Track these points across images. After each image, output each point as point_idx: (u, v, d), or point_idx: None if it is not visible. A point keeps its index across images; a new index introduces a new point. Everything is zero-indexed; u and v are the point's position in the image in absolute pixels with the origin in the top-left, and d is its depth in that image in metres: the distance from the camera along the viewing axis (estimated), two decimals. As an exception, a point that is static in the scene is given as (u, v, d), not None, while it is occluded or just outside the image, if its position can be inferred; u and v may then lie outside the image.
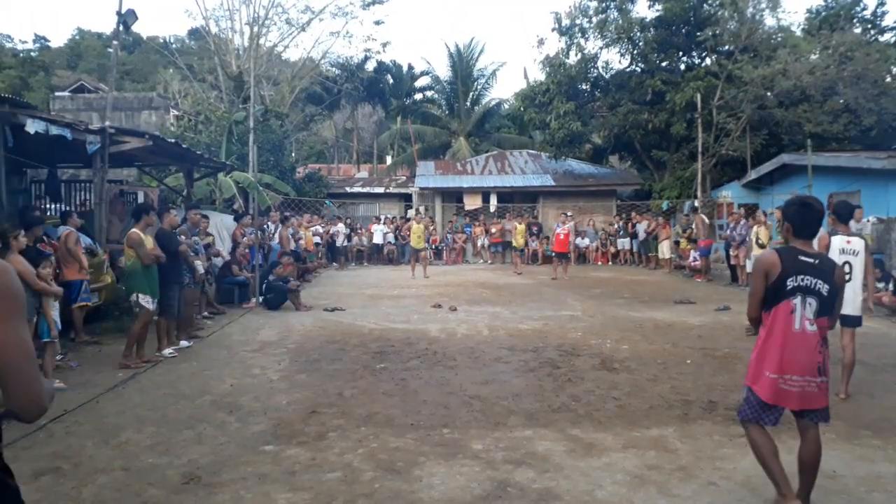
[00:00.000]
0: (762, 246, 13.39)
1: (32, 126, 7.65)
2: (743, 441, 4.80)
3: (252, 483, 4.13)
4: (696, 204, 19.29)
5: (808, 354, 3.51)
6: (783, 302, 3.54)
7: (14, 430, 5.12)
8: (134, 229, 7.45)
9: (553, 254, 17.48)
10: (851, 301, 5.95)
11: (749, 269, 14.22)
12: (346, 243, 21.61)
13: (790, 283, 3.52)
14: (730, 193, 20.66)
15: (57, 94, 32.76)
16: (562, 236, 16.96)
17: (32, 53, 57.12)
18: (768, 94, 19.61)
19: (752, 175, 19.32)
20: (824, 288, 3.52)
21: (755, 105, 19.62)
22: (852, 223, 8.62)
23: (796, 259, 3.54)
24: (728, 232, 16.06)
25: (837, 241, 6.00)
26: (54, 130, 8.13)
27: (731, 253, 15.40)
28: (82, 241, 8.78)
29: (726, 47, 21.27)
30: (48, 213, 11.55)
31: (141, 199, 15.82)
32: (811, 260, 3.55)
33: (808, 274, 3.52)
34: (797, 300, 3.52)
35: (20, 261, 6.07)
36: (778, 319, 3.56)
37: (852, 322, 6.06)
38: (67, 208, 12.41)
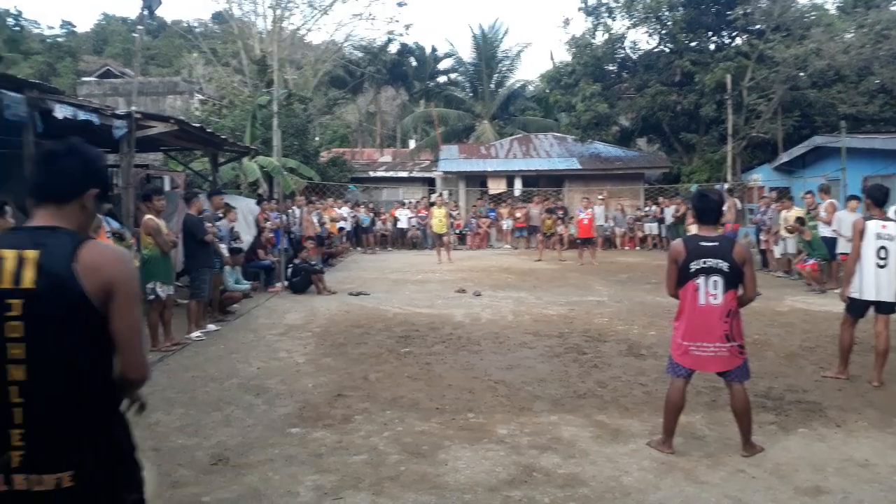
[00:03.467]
0: (790, 231, 13.14)
1: (61, 111, 7.70)
2: (773, 429, 4.76)
3: (279, 464, 4.16)
4: (727, 187, 18.97)
5: (711, 325, 4.16)
6: (689, 282, 4.21)
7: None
8: (149, 216, 7.41)
9: (579, 240, 17.30)
10: (886, 287, 5.81)
11: (777, 254, 14.00)
12: (350, 229, 21.02)
13: (693, 267, 4.19)
14: (760, 177, 20.27)
15: (84, 79, 33.18)
16: (585, 221, 16.78)
17: (59, 39, 57.79)
18: (801, 74, 19.12)
19: (784, 158, 18.90)
20: (725, 266, 4.14)
21: (787, 86, 19.16)
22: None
23: (697, 245, 4.23)
24: (758, 216, 15.77)
25: (873, 226, 5.84)
26: (82, 116, 8.18)
27: (761, 238, 15.15)
28: (111, 224, 8.87)
29: (757, 26, 20.74)
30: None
31: (167, 183, 15.98)
32: (711, 244, 4.21)
33: (708, 256, 4.16)
34: (700, 280, 4.18)
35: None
36: (686, 297, 4.25)
37: (887, 308, 5.90)
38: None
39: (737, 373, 4.25)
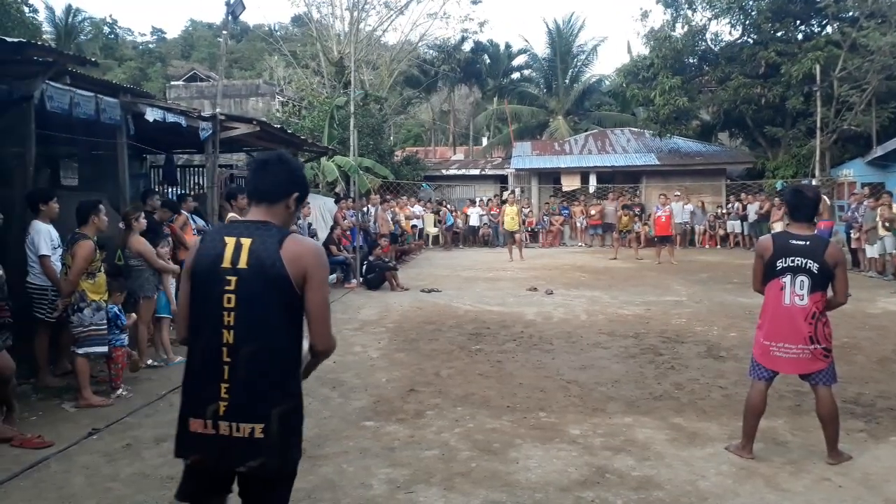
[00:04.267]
0: (888, 227, 12.41)
1: (151, 114, 8.10)
2: (862, 436, 4.53)
3: (354, 457, 4.26)
4: (815, 183, 18.09)
5: (796, 326, 4.00)
6: (774, 280, 4.08)
7: (138, 399, 5.52)
8: (232, 213, 7.70)
9: (656, 238, 16.87)
10: None
11: (871, 253, 13.24)
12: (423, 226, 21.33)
13: (779, 265, 4.05)
14: (852, 172, 19.22)
15: (172, 82, 34.78)
16: (663, 219, 16.32)
17: (150, 45, 60.89)
18: (898, 63, 18.02)
19: (879, 152, 17.85)
20: (814, 266, 3.97)
21: (883, 76, 18.04)
22: None
23: (787, 243, 4.06)
24: (849, 213, 14.98)
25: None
26: (171, 118, 8.59)
27: (852, 236, 14.38)
28: (196, 222, 9.27)
29: (850, 13, 19.67)
30: (169, 197, 12.25)
31: (249, 182, 16.53)
32: (802, 242, 4.03)
33: (798, 255, 4.00)
34: (786, 279, 4.03)
35: (141, 241, 6.49)
36: (770, 295, 4.12)
37: None
38: (183, 192, 13.15)
39: (821, 376, 4.07)
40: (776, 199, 19.31)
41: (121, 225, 6.66)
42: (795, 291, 4.01)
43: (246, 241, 2.26)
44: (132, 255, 6.43)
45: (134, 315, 6.15)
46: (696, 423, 4.88)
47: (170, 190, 14.24)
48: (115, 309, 5.79)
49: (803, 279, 3.99)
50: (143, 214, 6.74)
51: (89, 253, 5.32)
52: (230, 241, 2.27)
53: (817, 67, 18.81)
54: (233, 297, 2.22)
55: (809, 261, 3.98)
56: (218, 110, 9.92)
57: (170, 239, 7.55)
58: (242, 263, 2.23)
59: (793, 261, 4.01)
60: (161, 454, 4.31)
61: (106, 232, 5.90)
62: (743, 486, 3.81)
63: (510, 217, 17.38)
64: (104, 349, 5.48)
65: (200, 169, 15.23)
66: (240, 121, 10.71)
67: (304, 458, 4.18)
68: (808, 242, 4.03)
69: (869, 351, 6.98)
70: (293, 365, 2.31)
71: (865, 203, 13.95)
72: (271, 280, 2.22)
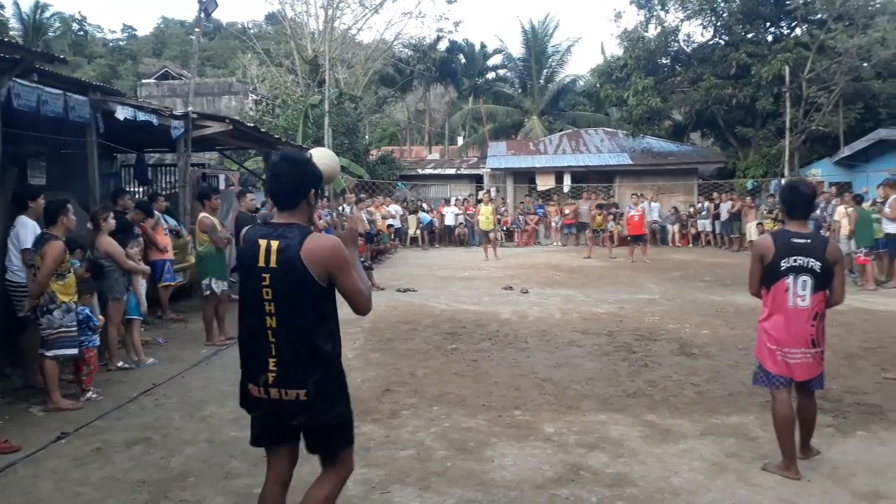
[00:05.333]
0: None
1: (122, 113, 7.98)
2: (829, 431, 4.61)
3: (328, 458, 4.23)
4: (784, 182, 18.37)
5: (801, 328, 3.87)
6: (778, 281, 3.90)
7: (108, 402, 5.44)
8: (204, 213, 7.57)
9: (629, 237, 17.04)
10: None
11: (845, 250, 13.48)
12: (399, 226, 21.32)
13: (783, 265, 3.88)
14: (820, 171, 19.61)
15: (143, 80, 34.29)
16: (636, 218, 16.49)
17: (121, 43, 59.94)
18: (864, 64, 18.40)
19: (846, 152, 18.24)
20: (817, 265, 3.83)
21: (850, 77, 18.45)
22: None
23: (788, 241, 3.89)
24: (818, 212, 15.26)
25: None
26: (142, 116, 8.48)
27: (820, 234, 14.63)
28: (168, 222, 9.15)
29: (818, 16, 20.07)
30: (136, 196, 12.07)
31: (222, 182, 16.39)
32: (803, 241, 3.88)
33: (800, 254, 3.85)
34: (790, 279, 3.87)
35: (109, 241, 6.38)
36: (775, 298, 3.93)
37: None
38: (154, 191, 12.97)
39: (816, 381, 3.98)
40: (748, 198, 19.63)
41: (89, 225, 6.55)
42: (797, 292, 3.86)
43: (274, 244, 2.63)
44: (101, 255, 6.33)
45: (101, 317, 6.05)
46: (669, 419, 4.93)
47: (141, 189, 14.03)
48: (87, 310, 5.70)
49: (806, 279, 3.84)
50: (111, 214, 6.62)
51: (59, 253, 5.22)
52: (262, 244, 2.65)
53: (786, 69, 19.16)
54: (269, 290, 2.63)
55: (812, 260, 3.83)
56: (190, 108, 9.81)
57: (140, 239, 7.44)
58: (273, 263, 2.62)
59: (795, 260, 3.85)
60: (132, 457, 4.25)
61: (74, 232, 5.79)
62: (715, 481, 3.87)
63: (485, 216, 17.43)
64: (74, 351, 5.38)
65: (172, 168, 15.03)
66: (212, 119, 10.60)
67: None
68: (809, 241, 3.89)
69: (836, 347, 7.10)
70: (324, 342, 2.68)
71: (833, 202, 14.23)
72: (296, 276, 2.60)
